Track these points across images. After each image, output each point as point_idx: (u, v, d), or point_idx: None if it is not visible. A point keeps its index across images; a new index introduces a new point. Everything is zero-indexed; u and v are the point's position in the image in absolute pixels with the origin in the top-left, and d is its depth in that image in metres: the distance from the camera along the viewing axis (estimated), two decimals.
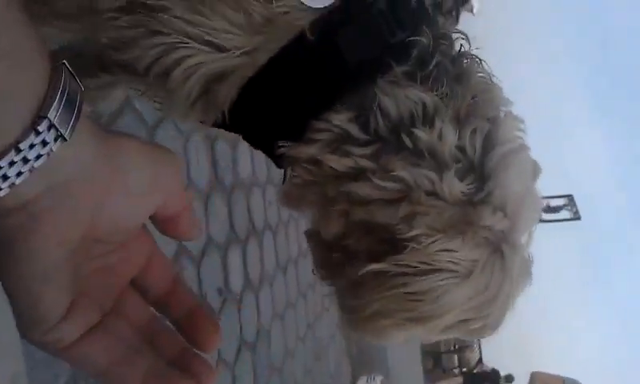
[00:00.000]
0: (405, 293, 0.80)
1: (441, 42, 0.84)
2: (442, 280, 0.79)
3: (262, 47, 0.81)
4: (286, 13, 0.79)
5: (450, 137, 0.79)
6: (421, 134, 0.79)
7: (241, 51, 0.81)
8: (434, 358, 12.47)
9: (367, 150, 0.81)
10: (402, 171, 0.78)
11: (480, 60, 0.87)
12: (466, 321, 0.84)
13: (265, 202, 3.26)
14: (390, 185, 0.79)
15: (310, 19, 0.79)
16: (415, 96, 0.80)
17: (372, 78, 0.81)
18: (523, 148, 0.85)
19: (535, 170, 0.87)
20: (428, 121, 0.80)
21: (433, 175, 0.78)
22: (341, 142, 0.82)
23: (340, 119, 0.82)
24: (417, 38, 0.82)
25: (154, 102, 0.98)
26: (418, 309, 0.81)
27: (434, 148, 0.79)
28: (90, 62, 0.96)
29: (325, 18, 0.80)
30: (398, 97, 0.80)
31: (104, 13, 0.83)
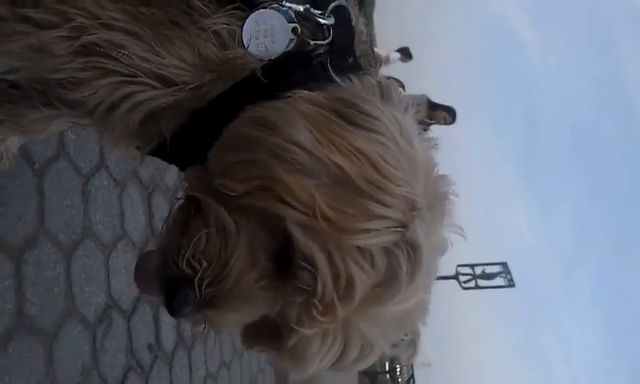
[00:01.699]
0: None
1: None
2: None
3: (213, 83, 0.89)
4: (239, 57, 0.88)
5: None
6: None
7: (190, 87, 0.88)
8: (370, 378, 13.01)
9: None
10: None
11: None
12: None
13: None
14: None
15: (261, 64, 0.89)
16: None
17: None
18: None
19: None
20: None
21: None
22: None
23: None
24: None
25: (97, 131, 1.00)
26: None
27: None
28: (31, 94, 0.96)
29: (274, 65, 0.89)
30: None
31: (59, 56, 0.87)
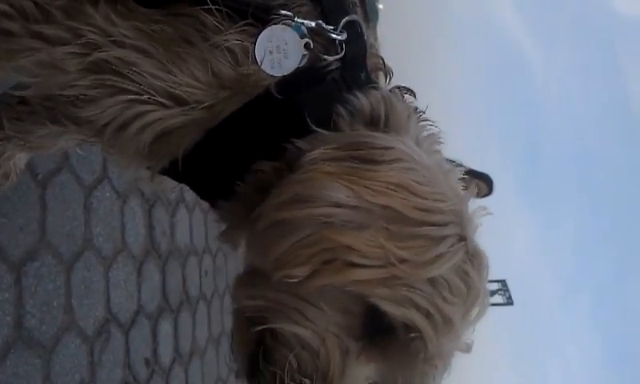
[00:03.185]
0: None
1: None
2: None
3: (227, 101, 0.88)
4: (252, 74, 0.88)
5: None
6: None
7: (203, 106, 0.87)
8: None
9: None
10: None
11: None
12: None
13: (201, 272, 3.20)
14: None
15: (274, 80, 0.88)
16: None
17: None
18: None
19: None
20: None
21: None
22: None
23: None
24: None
25: (106, 151, 1.00)
26: None
27: None
28: (39, 111, 0.96)
29: (287, 81, 0.88)
30: None
31: (69, 73, 0.86)
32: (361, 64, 0.94)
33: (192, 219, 3.06)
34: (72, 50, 0.86)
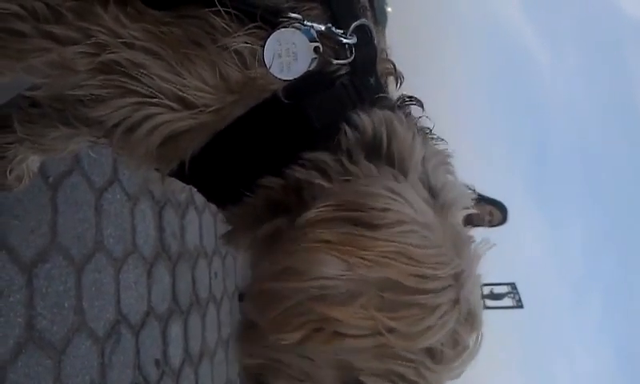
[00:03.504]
0: None
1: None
2: None
3: (234, 105, 0.87)
4: (259, 78, 0.87)
5: None
6: None
7: (210, 109, 0.87)
8: None
9: None
10: None
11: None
12: None
13: (210, 273, 3.21)
14: None
15: (282, 85, 0.87)
16: None
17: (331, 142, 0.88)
18: None
19: None
20: None
21: None
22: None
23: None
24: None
25: (116, 152, 1.00)
26: None
27: None
28: (49, 113, 0.96)
29: (295, 85, 0.88)
30: None
31: (79, 73, 0.86)
32: (370, 69, 0.93)
33: (202, 221, 3.07)
34: (82, 50, 0.86)
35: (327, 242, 0.78)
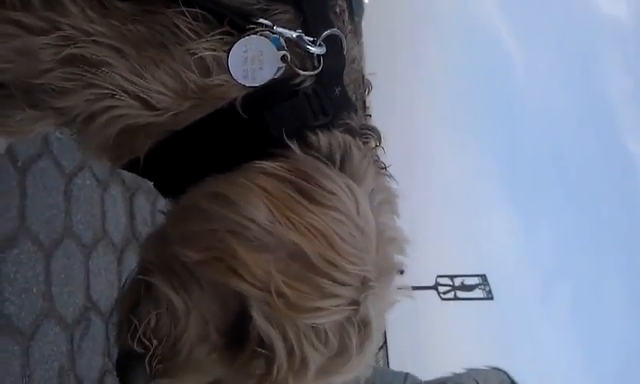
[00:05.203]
0: None
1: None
2: None
3: (191, 111, 0.87)
4: (220, 85, 0.87)
5: None
6: None
7: (170, 113, 0.87)
8: None
9: None
10: None
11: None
12: None
13: None
14: None
15: (243, 93, 0.87)
16: None
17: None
18: None
19: None
20: None
21: None
22: None
23: None
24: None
25: (76, 140, 1.00)
26: None
27: None
28: (16, 94, 0.96)
29: (256, 94, 0.87)
30: None
31: (44, 62, 0.86)
32: (337, 80, 0.93)
33: None
34: (48, 41, 0.86)
35: (267, 191, 0.81)
